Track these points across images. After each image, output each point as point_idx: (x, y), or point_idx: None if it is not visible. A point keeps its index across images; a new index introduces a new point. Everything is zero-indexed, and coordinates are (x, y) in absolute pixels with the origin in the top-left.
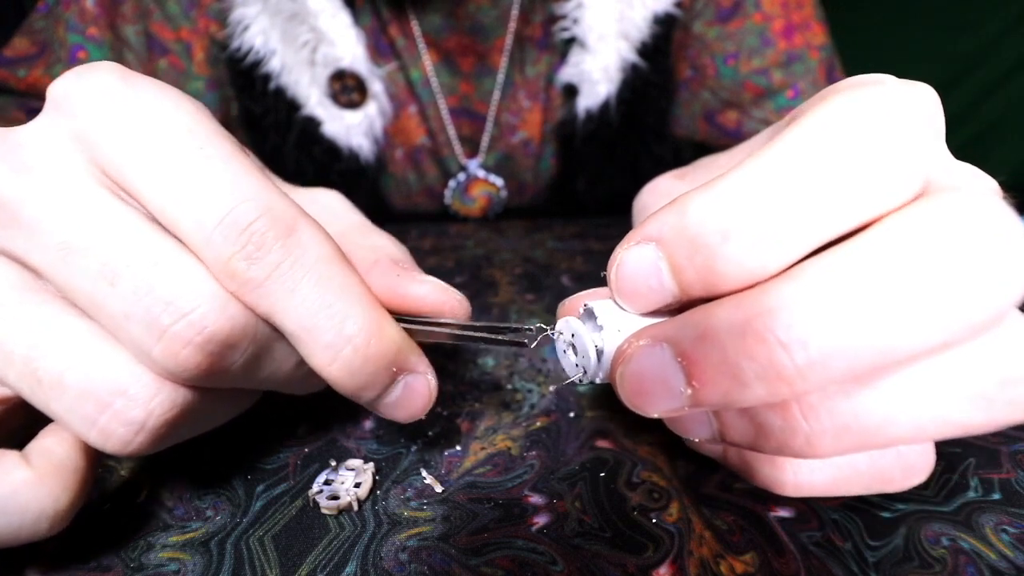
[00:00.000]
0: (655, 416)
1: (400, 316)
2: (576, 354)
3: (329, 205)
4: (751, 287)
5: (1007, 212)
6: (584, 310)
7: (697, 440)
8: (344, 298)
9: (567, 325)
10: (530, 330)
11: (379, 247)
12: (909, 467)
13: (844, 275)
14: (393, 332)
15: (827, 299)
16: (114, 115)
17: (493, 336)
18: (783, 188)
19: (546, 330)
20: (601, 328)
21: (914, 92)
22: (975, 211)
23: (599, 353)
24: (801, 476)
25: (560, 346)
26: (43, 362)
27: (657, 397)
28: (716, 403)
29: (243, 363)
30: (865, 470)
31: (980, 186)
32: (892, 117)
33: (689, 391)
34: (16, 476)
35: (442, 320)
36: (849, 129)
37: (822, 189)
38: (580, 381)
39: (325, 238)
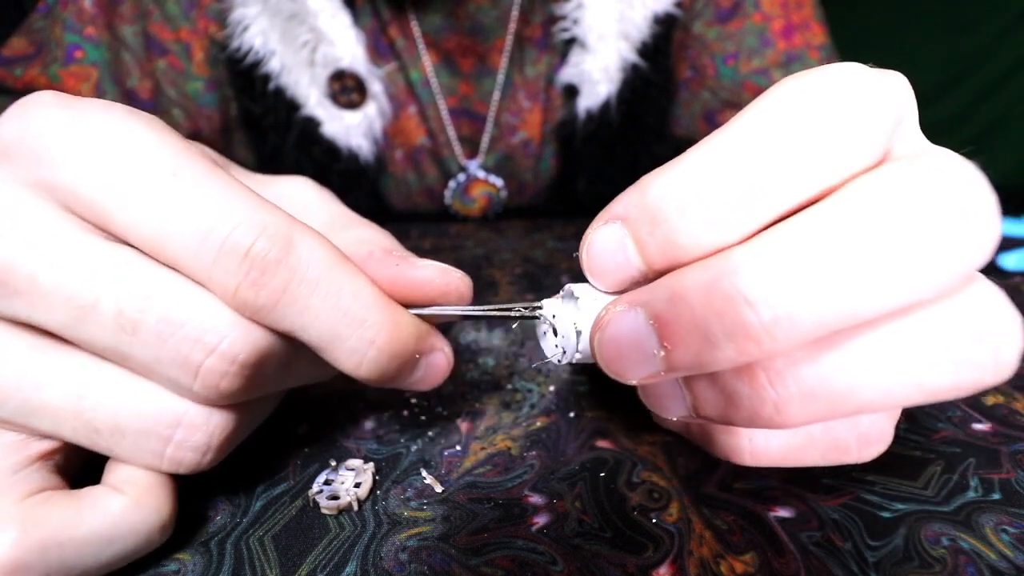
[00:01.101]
0: (633, 382)
1: (408, 305)
2: (556, 335)
3: (303, 200)
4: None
5: (972, 172)
6: (564, 292)
7: (674, 419)
8: (357, 302)
9: (548, 307)
10: (534, 307)
11: (367, 239)
12: (863, 436)
13: (806, 236)
14: (409, 323)
15: (790, 258)
16: (70, 154)
17: (501, 313)
18: (736, 161)
19: (541, 307)
20: (580, 309)
21: (873, 72)
22: (939, 171)
23: (578, 332)
24: (756, 443)
25: (541, 328)
26: (94, 413)
27: (633, 361)
28: (688, 365)
29: (277, 372)
30: (820, 438)
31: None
32: (845, 88)
33: (662, 353)
34: (113, 506)
35: (447, 307)
36: (800, 102)
37: (774, 159)
38: (559, 361)
39: (323, 244)
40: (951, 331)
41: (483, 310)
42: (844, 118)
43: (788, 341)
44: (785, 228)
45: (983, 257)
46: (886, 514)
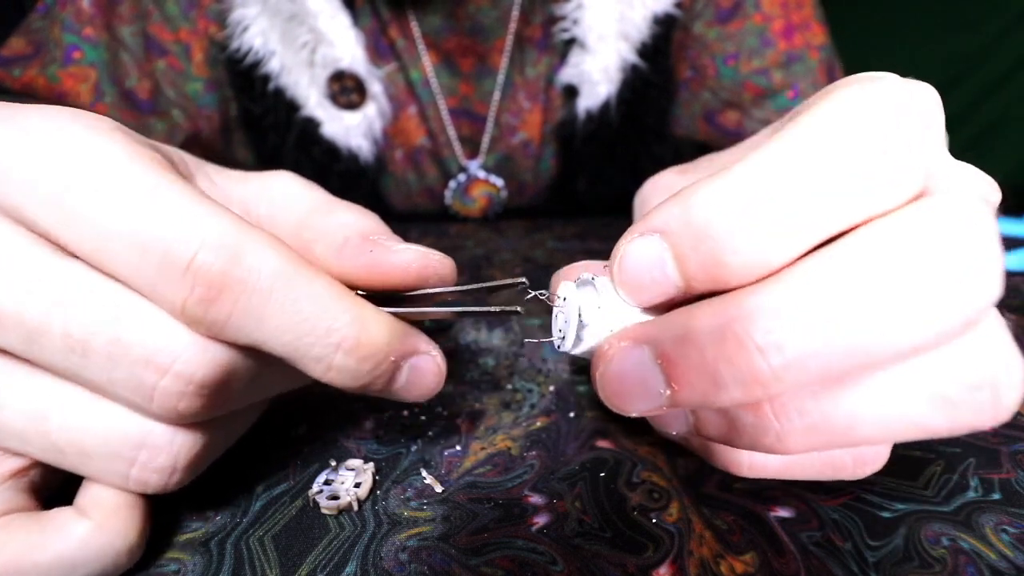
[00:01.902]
0: (633, 415)
1: (388, 294)
2: (562, 320)
3: (285, 190)
4: (750, 283)
5: (983, 222)
6: (582, 280)
7: (674, 434)
8: (316, 306)
9: (563, 288)
10: (519, 283)
11: (346, 224)
12: (860, 457)
13: (823, 281)
14: (379, 323)
15: (805, 305)
16: (14, 167)
17: (485, 310)
18: (789, 181)
19: (527, 283)
20: (594, 301)
21: (914, 90)
22: (950, 221)
23: (583, 324)
24: (756, 459)
25: (558, 306)
26: (58, 434)
27: (636, 398)
28: (694, 404)
29: (244, 388)
30: (818, 457)
31: (967, 189)
32: (895, 115)
33: (668, 392)
34: (77, 531)
35: (428, 291)
36: (853, 126)
37: (828, 184)
38: (557, 347)
39: (275, 248)
40: (951, 376)
41: (463, 299)
42: (895, 145)
43: (794, 384)
44: (802, 270)
45: (987, 303)
46: (886, 514)
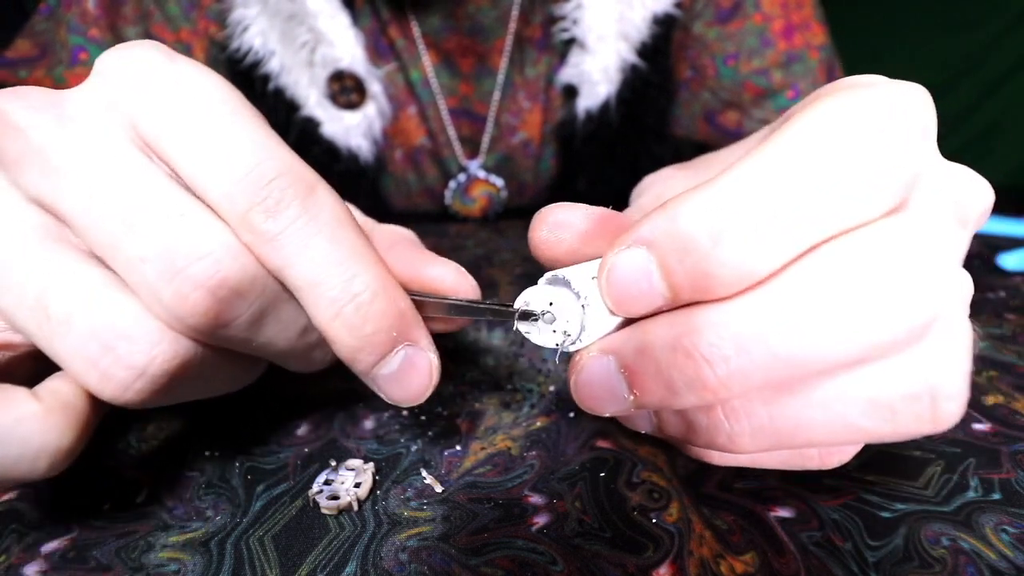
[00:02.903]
0: (607, 415)
1: (412, 292)
2: (551, 321)
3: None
4: (736, 293)
5: (938, 243)
6: (549, 279)
7: (644, 432)
8: (354, 257)
9: (536, 296)
10: (511, 310)
11: (396, 231)
12: (825, 449)
13: (767, 298)
14: (399, 296)
15: (748, 320)
16: (153, 82)
17: (503, 309)
18: (774, 192)
19: (519, 309)
20: (579, 289)
21: (904, 95)
22: (904, 245)
23: (584, 306)
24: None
25: (528, 324)
26: (54, 301)
27: (605, 401)
28: (655, 406)
29: (249, 317)
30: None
31: (939, 203)
32: (879, 128)
33: (632, 397)
34: (24, 408)
35: (454, 299)
36: (840, 135)
37: (812, 197)
38: (567, 347)
39: (341, 203)
40: (890, 386)
41: (478, 304)
42: (881, 155)
43: (741, 391)
44: (750, 293)
45: (924, 320)
46: (886, 514)
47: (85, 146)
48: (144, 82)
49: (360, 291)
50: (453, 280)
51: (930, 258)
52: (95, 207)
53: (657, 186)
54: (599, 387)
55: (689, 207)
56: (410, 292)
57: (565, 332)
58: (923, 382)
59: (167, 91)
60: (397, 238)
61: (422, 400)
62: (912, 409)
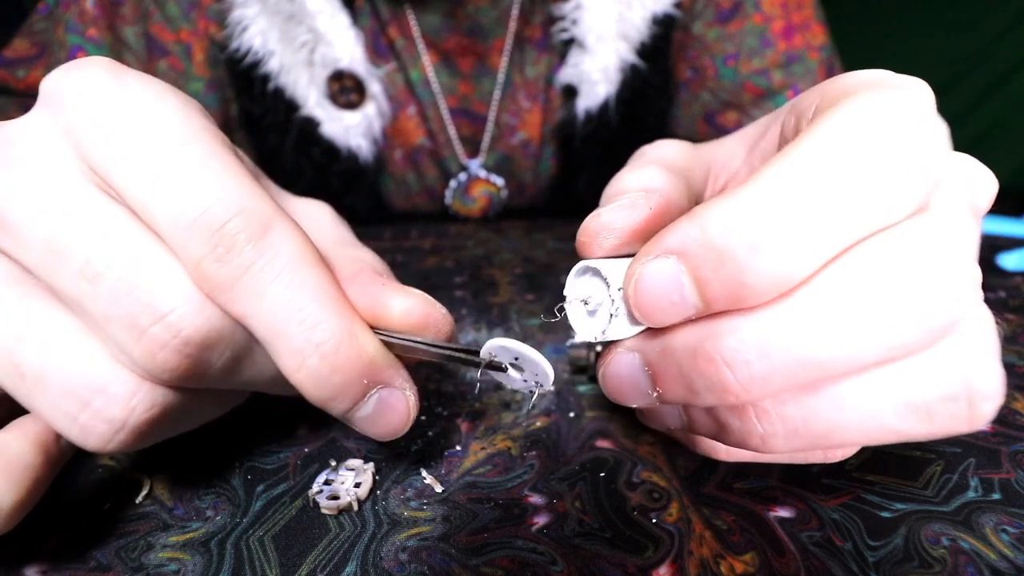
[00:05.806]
0: (634, 406)
1: (379, 330)
2: (590, 314)
3: (316, 216)
4: (771, 300)
5: (961, 241)
6: (579, 270)
7: (671, 429)
8: (316, 302)
9: (575, 288)
10: (478, 360)
11: (362, 259)
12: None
13: (794, 309)
14: (366, 342)
15: (773, 329)
16: (100, 110)
17: (469, 358)
18: (810, 197)
19: (492, 360)
20: (609, 278)
21: (927, 95)
22: (928, 246)
23: (619, 288)
24: (733, 449)
25: (576, 311)
26: (26, 357)
27: (630, 395)
28: (678, 403)
29: (222, 365)
30: None
31: (958, 199)
32: (913, 127)
33: (655, 393)
34: None
35: (423, 340)
36: (873, 138)
37: (847, 199)
38: (603, 335)
39: (301, 240)
40: (926, 387)
41: (447, 348)
42: (919, 153)
43: (763, 394)
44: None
45: (950, 319)
46: (886, 514)
47: (36, 194)
48: (92, 108)
49: (324, 340)
50: (421, 312)
51: (956, 254)
52: (53, 263)
53: (658, 149)
54: (625, 381)
55: (722, 215)
56: (377, 331)
57: (600, 325)
58: (961, 383)
59: (114, 119)
60: (359, 266)
61: (402, 434)
62: (948, 410)
